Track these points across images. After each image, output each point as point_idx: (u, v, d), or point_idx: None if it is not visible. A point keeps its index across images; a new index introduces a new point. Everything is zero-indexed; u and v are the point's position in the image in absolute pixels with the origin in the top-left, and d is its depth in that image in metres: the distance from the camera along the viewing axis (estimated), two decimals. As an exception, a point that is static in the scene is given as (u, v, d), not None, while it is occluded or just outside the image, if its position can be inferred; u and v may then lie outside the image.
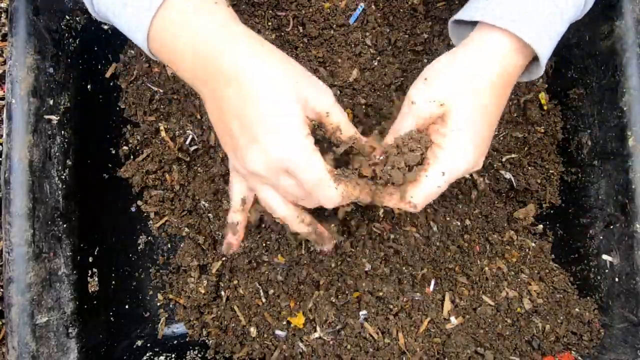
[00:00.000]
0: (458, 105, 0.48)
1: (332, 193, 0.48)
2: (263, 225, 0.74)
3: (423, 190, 0.49)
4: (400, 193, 0.49)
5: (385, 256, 0.75)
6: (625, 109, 0.67)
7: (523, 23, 0.47)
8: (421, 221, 0.76)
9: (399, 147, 0.50)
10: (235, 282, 0.77)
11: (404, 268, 0.75)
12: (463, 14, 0.51)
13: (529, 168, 0.79)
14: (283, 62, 0.48)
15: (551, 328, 0.73)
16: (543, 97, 0.78)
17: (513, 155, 0.79)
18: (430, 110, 0.49)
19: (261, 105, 0.45)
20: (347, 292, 0.74)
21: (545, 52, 0.49)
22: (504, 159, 0.79)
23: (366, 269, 0.73)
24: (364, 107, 0.73)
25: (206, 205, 0.77)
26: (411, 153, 0.49)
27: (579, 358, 0.72)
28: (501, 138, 0.79)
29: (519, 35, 0.47)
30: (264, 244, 0.76)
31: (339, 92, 0.73)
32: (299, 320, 0.73)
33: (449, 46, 0.76)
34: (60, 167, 0.66)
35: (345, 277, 0.74)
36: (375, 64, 0.74)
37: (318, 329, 0.73)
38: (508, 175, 0.78)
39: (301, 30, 0.74)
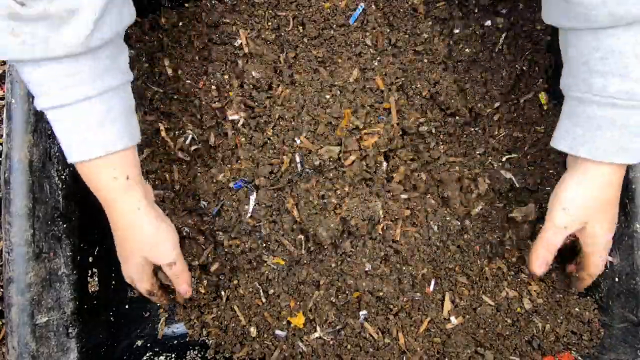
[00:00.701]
0: (594, 222, 0.63)
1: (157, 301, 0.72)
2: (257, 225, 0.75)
3: (588, 281, 0.70)
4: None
5: (385, 256, 0.75)
6: (625, 109, 0.67)
7: (621, 153, 0.57)
8: (421, 221, 0.76)
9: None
10: (235, 282, 0.77)
11: (404, 268, 0.75)
12: (564, 144, 0.61)
13: (529, 168, 0.79)
14: (150, 228, 0.64)
15: (551, 328, 0.73)
16: (543, 97, 0.78)
17: (513, 155, 0.79)
18: (575, 229, 0.64)
19: (123, 252, 0.66)
20: (347, 292, 0.74)
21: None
22: (504, 159, 0.79)
23: (366, 269, 0.73)
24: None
25: (206, 205, 0.77)
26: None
27: (579, 358, 0.72)
28: (501, 138, 0.79)
29: (621, 163, 0.58)
30: (264, 244, 0.76)
31: (338, 92, 0.73)
32: (299, 320, 0.73)
33: (449, 45, 0.77)
34: (60, 167, 0.66)
35: (345, 277, 0.74)
36: (376, 64, 0.74)
37: (318, 329, 0.73)
38: (508, 175, 0.78)
39: (301, 31, 0.74)
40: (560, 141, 0.62)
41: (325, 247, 0.74)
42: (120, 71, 0.56)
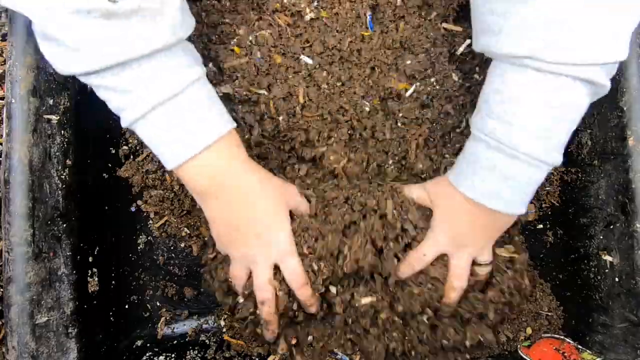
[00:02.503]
0: (440, 210, 0.65)
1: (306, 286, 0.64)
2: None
3: (408, 261, 0.66)
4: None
5: None
6: (625, 108, 0.67)
7: (493, 198, 0.58)
8: None
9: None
10: None
11: None
12: (451, 176, 0.63)
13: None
14: (275, 185, 0.63)
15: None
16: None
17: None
18: (426, 200, 0.67)
19: (266, 215, 0.61)
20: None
21: (517, 210, 0.59)
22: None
23: None
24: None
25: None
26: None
27: (579, 346, 0.72)
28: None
29: (492, 208, 0.59)
30: None
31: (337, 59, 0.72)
32: None
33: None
34: (60, 167, 0.66)
35: None
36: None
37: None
38: None
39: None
40: (450, 173, 0.64)
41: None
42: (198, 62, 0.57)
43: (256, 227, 0.61)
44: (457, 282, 0.64)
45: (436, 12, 0.71)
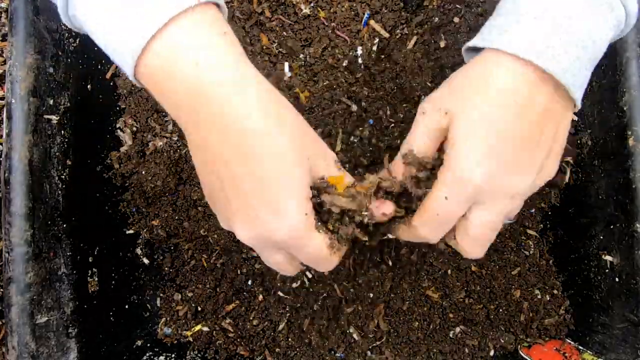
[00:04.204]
0: (462, 113, 0.42)
1: (330, 266, 0.46)
2: None
3: (423, 217, 0.44)
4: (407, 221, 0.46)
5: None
6: (625, 108, 0.67)
7: (541, 54, 0.40)
8: None
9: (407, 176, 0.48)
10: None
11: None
12: (475, 41, 0.45)
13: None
14: (293, 120, 0.42)
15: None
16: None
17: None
18: (437, 120, 0.44)
19: (263, 170, 0.39)
20: None
21: (573, 81, 0.41)
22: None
23: None
24: None
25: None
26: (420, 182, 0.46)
27: (579, 347, 0.72)
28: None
29: (535, 62, 0.40)
30: None
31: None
32: None
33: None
34: (60, 167, 0.66)
35: None
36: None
37: None
38: None
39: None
40: (473, 40, 0.45)
41: None
42: None
43: (245, 196, 0.40)
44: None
45: None
